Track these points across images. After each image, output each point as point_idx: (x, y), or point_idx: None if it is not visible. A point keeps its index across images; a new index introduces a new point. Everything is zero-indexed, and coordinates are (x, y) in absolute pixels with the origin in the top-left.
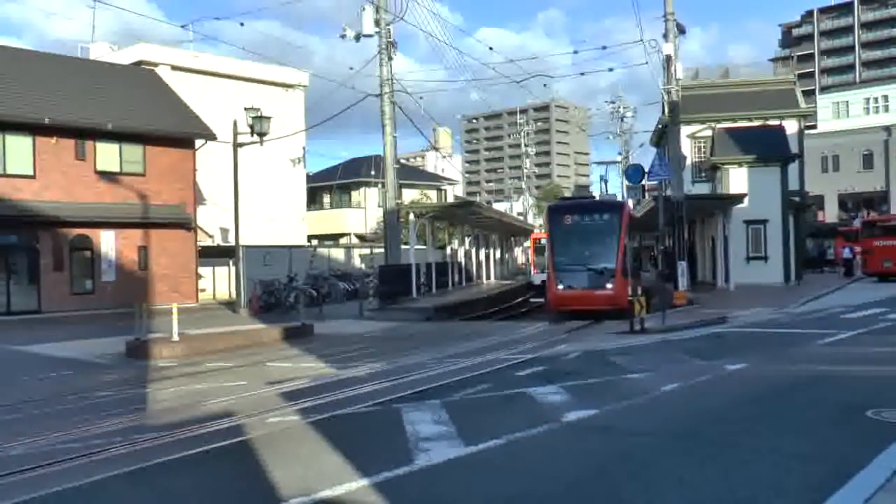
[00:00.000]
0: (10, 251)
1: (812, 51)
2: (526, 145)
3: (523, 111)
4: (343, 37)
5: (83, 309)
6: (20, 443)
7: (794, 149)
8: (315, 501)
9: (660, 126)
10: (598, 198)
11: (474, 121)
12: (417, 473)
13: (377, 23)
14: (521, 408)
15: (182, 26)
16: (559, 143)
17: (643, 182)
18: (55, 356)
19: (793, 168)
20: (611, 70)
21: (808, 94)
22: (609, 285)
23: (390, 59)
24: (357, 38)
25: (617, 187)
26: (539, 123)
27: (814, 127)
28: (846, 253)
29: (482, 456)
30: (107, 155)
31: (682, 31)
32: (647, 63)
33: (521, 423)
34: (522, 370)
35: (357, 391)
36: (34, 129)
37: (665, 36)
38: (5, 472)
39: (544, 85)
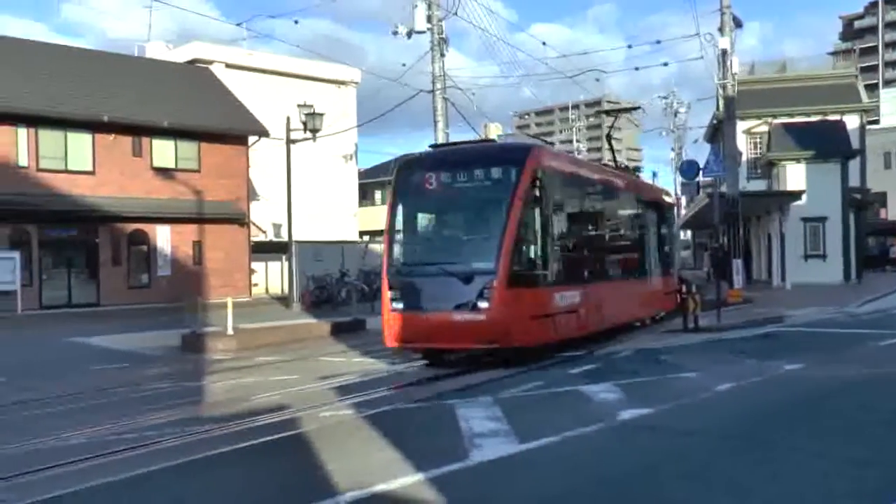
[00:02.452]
0: (70, 246)
1: (875, 43)
2: (577, 141)
3: (575, 107)
4: (395, 34)
5: (139, 302)
6: (78, 432)
7: (855, 144)
8: (370, 495)
9: (714, 122)
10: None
11: (525, 117)
12: (472, 469)
13: (429, 19)
14: (574, 405)
15: (237, 24)
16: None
17: (697, 178)
18: (113, 348)
19: (854, 164)
20: (665, 65)
21: (871, 88)
22: (483, 304)
23: (442, 55)
24: (409, 34)
25: (670, 183)
26: (590, 119)
27: (877, 122)
28: None
29: (537, 453)
30: (162, 151)
31: (738, 24)
32: (702, 57)
33: (574, 421)
34: (574, 368)
35: (409, 386)
36: (93, 126)
37: (721, 30)
38: (59, 462)
39: (597, 80)
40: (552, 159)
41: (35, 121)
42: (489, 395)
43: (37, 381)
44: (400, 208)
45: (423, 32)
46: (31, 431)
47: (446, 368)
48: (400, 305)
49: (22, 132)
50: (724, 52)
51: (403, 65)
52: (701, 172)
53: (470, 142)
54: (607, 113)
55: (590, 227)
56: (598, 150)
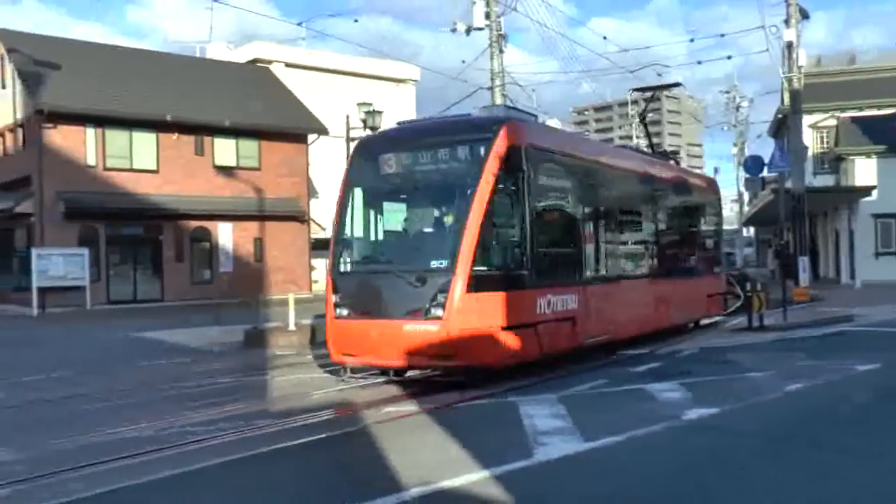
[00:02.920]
0: (135, 243)
1: None
2: (637, 137)
3: (634, 102)
4: (454, 30)
5: (202, 298)
6: (134, 427)
7: None
8: (435, 491)
9: (779, 116)
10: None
11: (585, 113)
12: (537, 467)
13: (488, 15)
14: (639, 404)
15: (297, 24)
16: (671, 134)
17: (762, 174)
18: (175, 343)
19: None
20: (729, 58)
21: None
22: (438, 311)
23: (501, 51)
24: (468, 31)
25: (732, 182)
26: (651, 115)
27: None
28: None
29: (603, 452)
30: (224, 150)
31: (805, 15)
32: (766, 50)
33: (639, 421)
34: (638, 366)
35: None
36: (157, 126)
37: (787, 21)
38: (114, 456)
39: (658, 74)
40: (536, 135)
41: (102, 121)
42: (552, 392)
43: (103, 375)
44: (349, 196)
45: (482, 29)
46: (100, 423)
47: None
48: (344, 312)
49: (90, 132)
50: (789, 45)
51: (463, 62)
52: (765, 168)
53: (441, 117)
54: (642, 91)
55: (595, 219)
56: (659, 146)
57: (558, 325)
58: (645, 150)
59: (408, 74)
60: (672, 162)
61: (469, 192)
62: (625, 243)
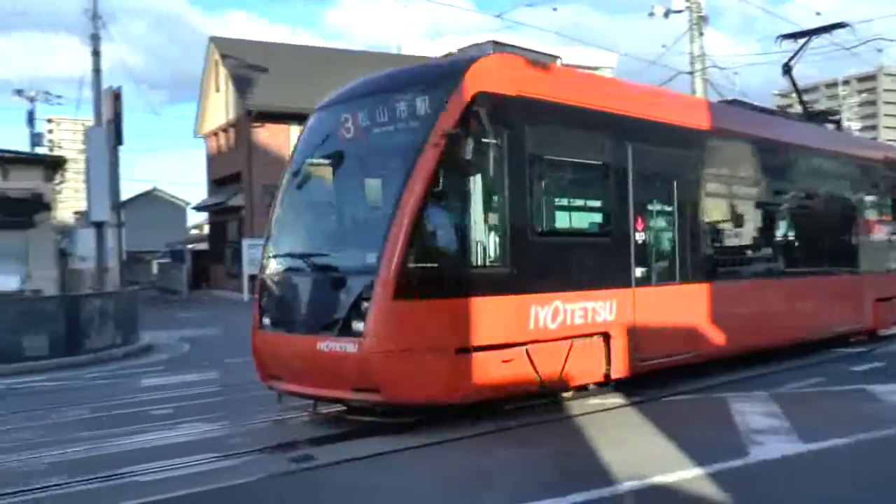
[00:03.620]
0: None
1: None
2: (848, 120)
3: (845, 82)
4: (651, 15)
5: None
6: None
7: None
8: (649, 486)
9: None
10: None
11: (791, 95)
12: (753, 467)
13: None
14: (860, 406)
15: (496, 16)
16: (887, 115)
17: None
18: None
19: None
20: None
21: None
22: (359, 324)
23: (701, 34)
24: (666, 14)
25: None
26: (864, 95)
27: None
28: None
29: (825, 455)
30: None
31: None
32: None
33: (864, 423)
34: (858, 365)
35: (678, 378)
36: None
37: None
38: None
39: (879, 50)
40: (533, 81)
41: (303, 119)
42: (764, 389)
43: None
44: (287, 173)
45: (681, 11)
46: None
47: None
48: (267, 321)
49: (294, 129)
50: None
51: (663, 46)
52: None
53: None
54: (794, 37)
55: (656, 197)
56: (874, 128)
57: (575, 345)
58: (775, 109)
59: (604, 62)
60: (831, 127)
61: (412, 159)
62: (722, 231)
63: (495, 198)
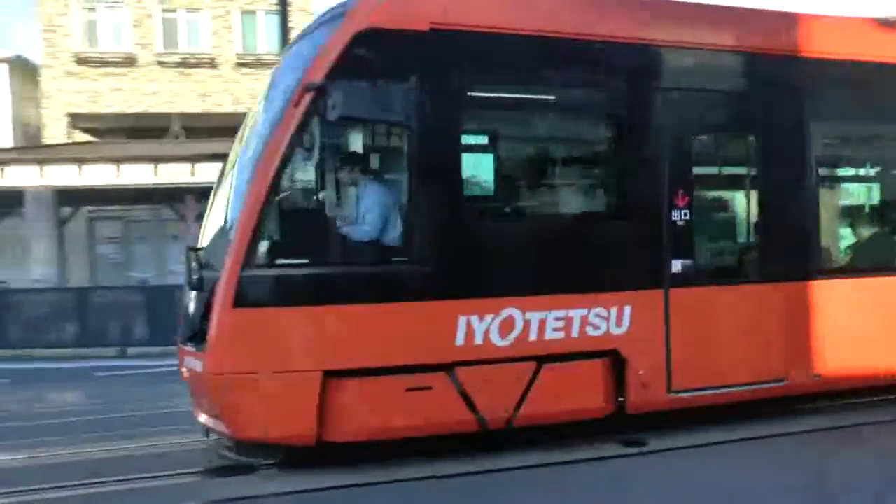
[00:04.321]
0: None
1: None
2: None
3: None
4: None
5: None
6: None
7: None
8: None
9: None
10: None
11: None
12: None
13: None
14: None
15: None
16: None
17: None
18: None
19: None
20: None
21: None
22: (205, 337)
23: None
24: None
25: None
26: None
27: None
28: None
29: None
30: None
31: None
32: None
33: None
34: None
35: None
36: None
37: None
38: None
39: None
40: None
41: None
42: None
43: None
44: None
45: None
46: None
47: None
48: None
49: None
50: None
51: None
52: None
53: None
54: None
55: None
56: None
57: (547, 368)
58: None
59: None
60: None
61: (270, 126)
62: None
63: (396, 168)
